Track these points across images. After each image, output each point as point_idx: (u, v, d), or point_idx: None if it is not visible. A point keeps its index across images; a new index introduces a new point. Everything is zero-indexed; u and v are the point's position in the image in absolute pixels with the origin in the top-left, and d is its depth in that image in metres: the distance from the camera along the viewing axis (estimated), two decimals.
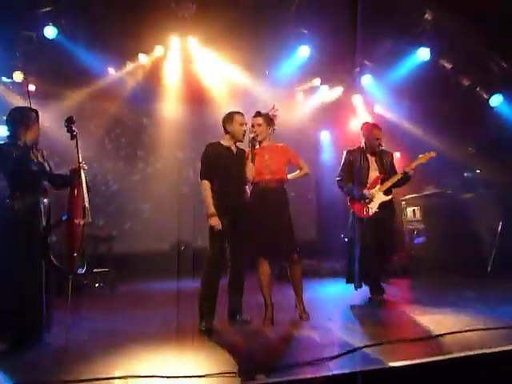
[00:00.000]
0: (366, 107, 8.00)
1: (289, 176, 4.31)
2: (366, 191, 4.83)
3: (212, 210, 3.95)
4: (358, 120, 7.73)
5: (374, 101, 7.92)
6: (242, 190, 4.15)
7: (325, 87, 8.05)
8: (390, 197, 4.87)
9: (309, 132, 8.72)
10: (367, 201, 4.79)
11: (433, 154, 4.84)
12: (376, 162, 4.92)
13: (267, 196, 4.10)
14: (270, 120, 4.22)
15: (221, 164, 4.04)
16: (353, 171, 4.81)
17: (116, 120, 7.99)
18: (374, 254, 4.55)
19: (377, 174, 4.92)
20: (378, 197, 4.83)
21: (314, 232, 8.87)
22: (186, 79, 7.26)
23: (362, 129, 5.05)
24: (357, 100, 8.02)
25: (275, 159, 4.18)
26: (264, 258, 4.04)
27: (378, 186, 4.87)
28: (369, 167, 4.87)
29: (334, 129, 8.73)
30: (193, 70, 7.27)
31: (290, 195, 4.27)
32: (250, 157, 4.12)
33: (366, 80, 7.68)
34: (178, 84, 7.33)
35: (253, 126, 4.20)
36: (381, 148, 4.93)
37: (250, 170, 4.11)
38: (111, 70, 7.13)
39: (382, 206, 4.80)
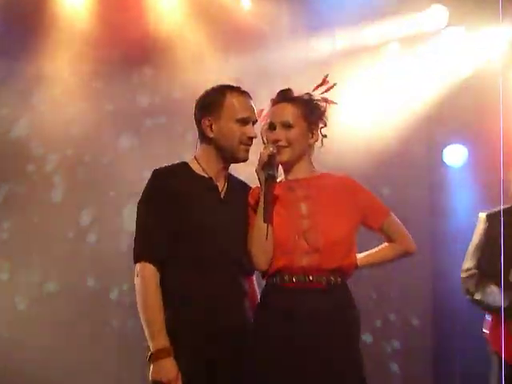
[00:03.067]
0: None
1: (361, 257, 3.67)
2: None
3: (161, 339, 3.37)
4: None
5: None
6: (238, 289, 3.60)
7: (457, 31, 7.35)
8: None
9: (415, 148, 7.72)
10: None
11: None
12: None
13: (305, 311, 3.45)
14: (315, 111, 3.57)
15: (188, 220, 3.52)
16: (498, 256, 4.58)
17: None
18: None
19: None
20: None
21: None
22: (118, 4, 6.69)
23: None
24: None
25: (327, 214, 3.53)
26: None
27: None
28: None
29: (481, 142, 7.64)
30: None
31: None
32: (261, 205, 3.46)
33: None
34: (94, 10, 6.74)
35: (271, 127, 3.52)
36: None
37: (262, 240, 3.45)
38: None
39: None
